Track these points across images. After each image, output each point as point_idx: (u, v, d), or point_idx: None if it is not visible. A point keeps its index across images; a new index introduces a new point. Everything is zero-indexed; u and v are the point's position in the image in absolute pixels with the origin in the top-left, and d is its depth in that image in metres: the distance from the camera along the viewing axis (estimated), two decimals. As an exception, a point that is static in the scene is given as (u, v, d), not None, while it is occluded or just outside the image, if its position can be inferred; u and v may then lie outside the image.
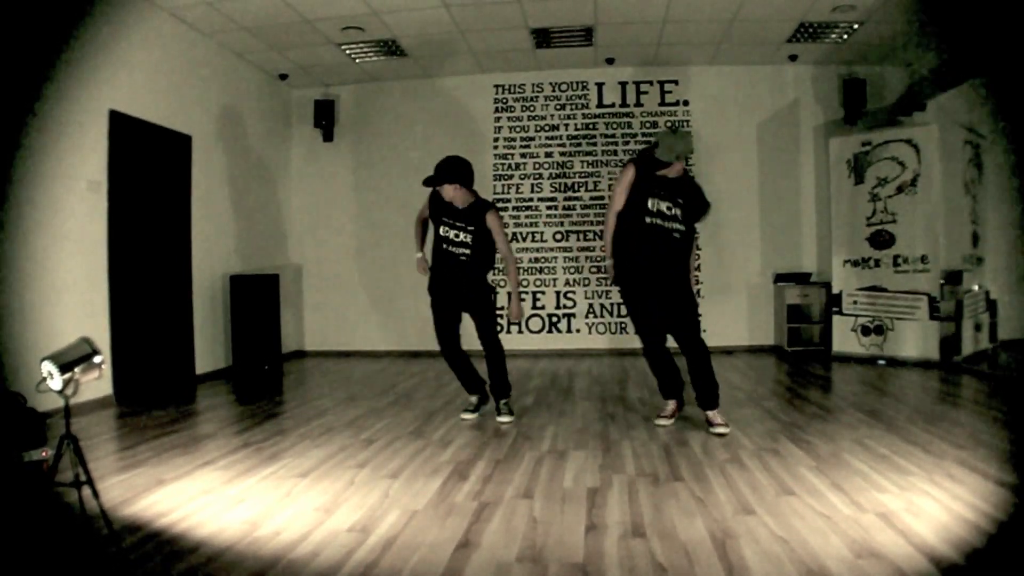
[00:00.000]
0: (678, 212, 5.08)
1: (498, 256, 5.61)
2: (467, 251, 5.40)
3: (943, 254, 8.09)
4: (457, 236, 5.41)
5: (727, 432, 4.97)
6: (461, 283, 5.48)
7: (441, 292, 5.56)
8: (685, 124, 9.67)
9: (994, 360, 8.15)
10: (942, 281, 8.02)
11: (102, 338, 6.28)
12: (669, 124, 4.94)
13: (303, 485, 3.96)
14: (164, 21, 7.22)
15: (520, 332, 9.80)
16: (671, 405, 5.46)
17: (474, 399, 5.84)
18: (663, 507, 3.49)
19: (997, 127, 9.23)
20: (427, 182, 5.37)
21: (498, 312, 6.32)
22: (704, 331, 9.51)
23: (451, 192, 5.34)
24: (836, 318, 8.78)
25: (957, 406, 5.95)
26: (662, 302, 5.12)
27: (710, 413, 5.12)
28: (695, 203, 5.23)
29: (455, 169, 5.31)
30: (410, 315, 9.86)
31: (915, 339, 8.10)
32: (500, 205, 9.86)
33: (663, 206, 5.04)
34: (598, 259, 9.74)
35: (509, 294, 5.74)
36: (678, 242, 5.12)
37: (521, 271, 9.80)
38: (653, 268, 5.08)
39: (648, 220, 5.04)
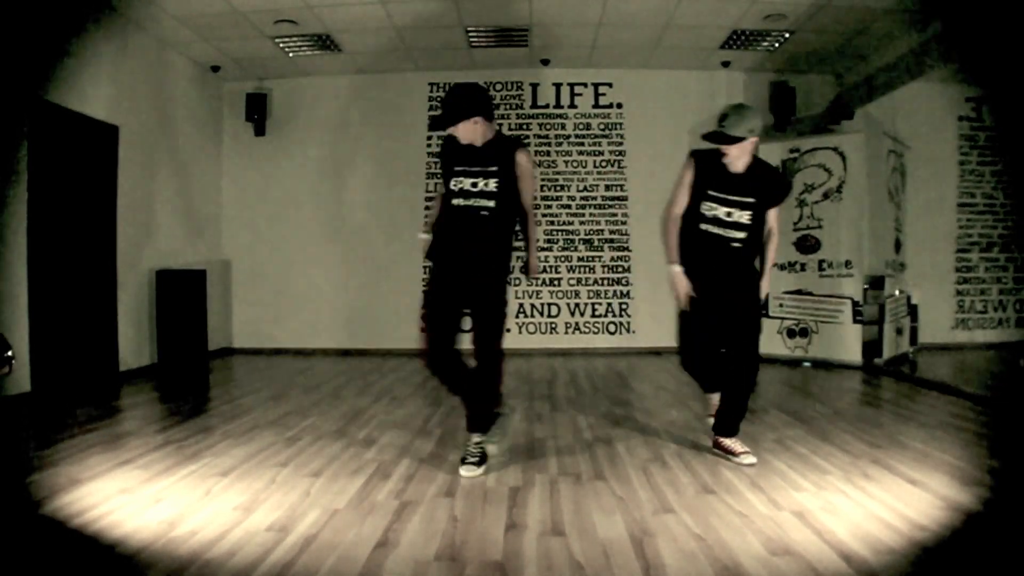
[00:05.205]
0: (741, 217, 4.29)
1: None
2: (490, 203, 4.09)
3: (867, 260, 8.28)
4: (476, 184, 4.08)
5: (755, 462, 4.26)
6: (474, 253, 4.15)
7: (445, 268, 4.23)
8: (618, 127, 9.77)
9: (914, 363, 8.36)
10: (865, 286, 8.21)
11: (21, 333, 6.07)
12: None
13: (223, 484, 3.87)
14: (93, 8, 7.02)
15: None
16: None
17: (476, 441, 4.35)
18: (583, 506, 3.50)
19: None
20: (436, 123, 4.15)
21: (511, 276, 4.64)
22: (633, 332, 9.75)
23: (470, 131, 4.06)
24: (762, 320, 8.90)
25: (876, 407, 6.10)
26: (720, 318, 4.41)
27: (728, 442, 4.40)
28: (772, 193, 4.37)
29: (473, 98, 4.06)
30: (340, 312, 9.80)
31: (839, 342, 8.28)
32: (432, 204, 9.81)
33: (721, 211, 4.30)
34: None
35: (524, 246, 4.48)
36: (738, 251, 4.35)
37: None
38: (707, 281, 4.38)
39: (702, 227, 4.34)
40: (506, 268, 4.27)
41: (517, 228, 4.37)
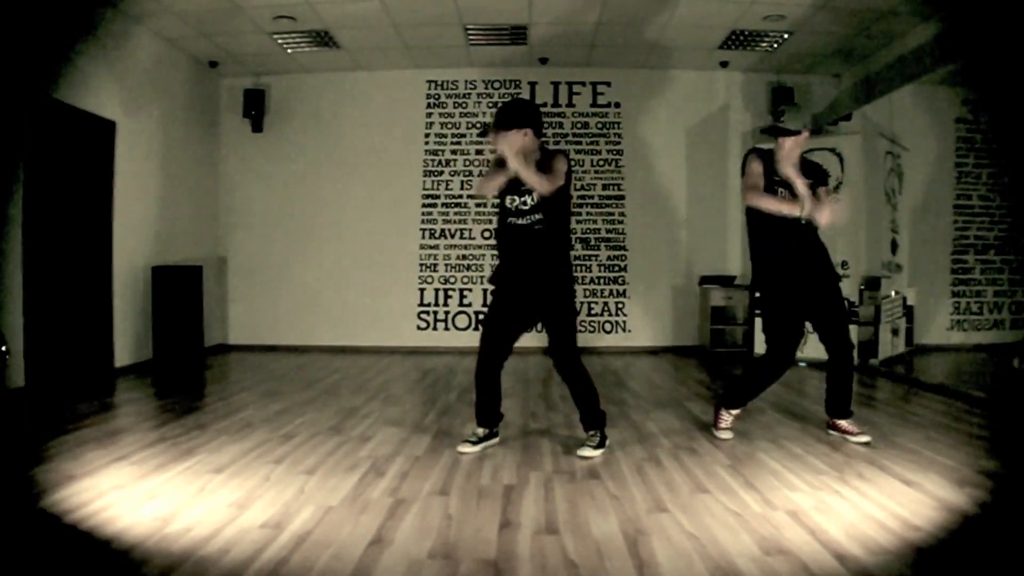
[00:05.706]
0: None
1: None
2: (539, 217, 4.28)
3: (863, 261, 8.29)
4: (526, 203, 4.30)
5: (869, 440, 4.66)
6: (536, 268, 4.36)
7: (508, 287, 4.45)
8: (616, 126, 9.76)
9: (909, 364, 8.37)
10: (861, 287, 8.22)
11: (15, 328, 6.05)
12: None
13: (217, 481, 3.87)
14: (91, 3, 6.99)
15: (447, 329, 9.77)
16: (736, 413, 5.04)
17: (481, 432, 4.66)
18: (578, 504, 3.50)
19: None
20: (487, 128, 4.35)
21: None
22: (629, 331, 9.75)
23: (517, 141, 4.23)
24: (759, 320, 8.89)
25: (871, 407, 6.08)
26: (807, 306, 4.68)
27: (845, 423, 4.78)
28: (821, 176, 4.77)
29: (527, 112, 4.32)
30: (335, 309, 9.79)
31: (834, 343, 8.26)
32: (429, 201, 9.83)
33: (789, 194, 4.57)
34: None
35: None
36: (813, 231, 4.63)
37: (448, 268, 9.77)
38: (795, 266, 4.62)
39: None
40: (570, 277, 4.51)
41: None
